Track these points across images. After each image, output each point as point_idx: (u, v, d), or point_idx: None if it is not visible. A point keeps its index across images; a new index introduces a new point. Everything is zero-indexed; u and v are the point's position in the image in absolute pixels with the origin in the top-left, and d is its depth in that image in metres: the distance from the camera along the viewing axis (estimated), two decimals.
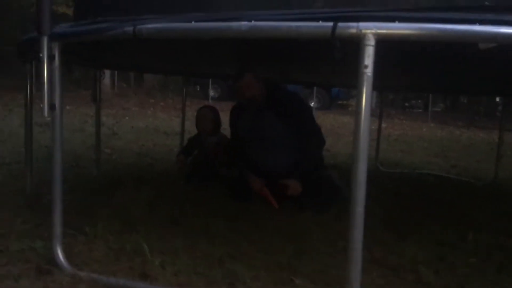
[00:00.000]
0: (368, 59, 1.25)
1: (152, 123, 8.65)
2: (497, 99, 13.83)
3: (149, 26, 1.49)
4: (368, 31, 1.24)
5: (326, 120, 10.30)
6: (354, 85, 1.32)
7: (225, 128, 3.56)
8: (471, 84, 4.08)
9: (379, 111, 5.93)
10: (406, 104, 18.72)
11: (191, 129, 4.19)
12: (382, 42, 1.27)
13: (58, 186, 1.87)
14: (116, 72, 13.79)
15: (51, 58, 1.76)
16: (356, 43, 1.25)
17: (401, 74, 3.38)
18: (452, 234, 2.57)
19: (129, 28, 1.52)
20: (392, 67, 2.72)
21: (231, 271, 1.92)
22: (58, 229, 1.88)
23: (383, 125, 9.13)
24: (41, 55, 1.75)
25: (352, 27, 1.24)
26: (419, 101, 18.44)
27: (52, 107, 1.80)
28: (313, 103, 13.59)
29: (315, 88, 13.13)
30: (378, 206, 3.05)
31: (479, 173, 5.10)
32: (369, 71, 1.26)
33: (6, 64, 13.29)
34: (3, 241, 2.14)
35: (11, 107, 9.23)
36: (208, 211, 2.75)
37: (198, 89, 15.45)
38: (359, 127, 1.30)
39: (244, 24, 1.35)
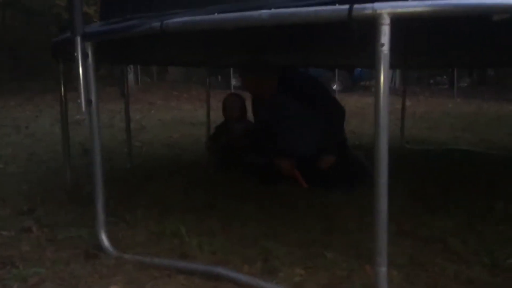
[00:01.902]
0: (384, 37, 1.31)
1: (177, 115, 8.81)
2: None
3: (175, 20, 1.58)
4: (383, 10, 1.30)
5: (350, 102, 10.26)
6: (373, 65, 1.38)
7: (250, 115, 3.66)
8: (494, 56, 4.05)
9: (402, 89, 5.91)
10: (431, 81, 18.41)
11: (216, 118, 4.30)
12: (401, 21, 1.33)
13: (99, 175, 1.99)
14: (139, 68, 14.03)
15: (84, 56, 1.88)
16: (372, 23, 1.32)
17: (423, 51, 3.39)
18: (480, 205, 2.60)
19: (156, 24, 1.62)
20: (414, 44, 2.76)
21: (265, 249, 2.02)
22: (101, 216, 2.01)
23: (408, 103, 9.05)
24: (75, 54, 1.87)
25: (368, 8, 1.30)
26: (444, 77, 18.09)
27: (89, 102, 1.92)
28: (335, 86, 13.56)
29: (337, 70, 13.09)
30: (405, 182, 3.10)
31: (508, 145, 5.06)
32: (385, 49, 1.32)
33: (32, 68, 13.67)
34: (50, 231, 2.30)
35: (41, 108, 9.54)
36: (240, 196, 2.85)
37: (220, 79, 15.58)
38: (379, 100, 1.36)
39: (264, 12, 1.42)
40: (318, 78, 3.41)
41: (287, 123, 3.15)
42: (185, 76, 15.60)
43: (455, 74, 14.31)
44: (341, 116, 3.15)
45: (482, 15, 1.34)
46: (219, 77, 15.71)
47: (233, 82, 14.66)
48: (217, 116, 3.98)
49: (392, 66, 6.66)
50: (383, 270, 1.45)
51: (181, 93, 13.30)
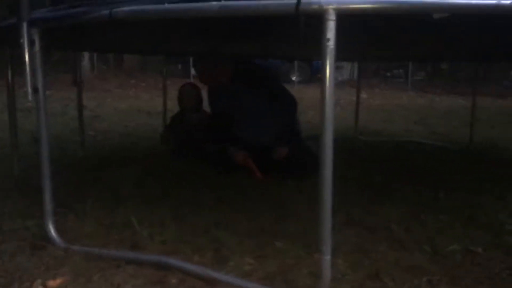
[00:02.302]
0: (330, 32, 1.34)
1: (134, 103, 8.65)
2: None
3: (124, 9, 1.57)
4: (329, 6, 1.33)
5: (308, 94, 10.35)
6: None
7: (207, 105, 3.65)
8: (443, 51, 4.20)
9: (357, 82, 6.05)
10: (388, 74, 18.82)
11: (173, 108, 4.27)
12: (349, 16, 1.37)
13: (46, 164, 1.95)
14: (95, 54, 13.63)
15: (31, 43, 1.82)
16: (318, 18, 1.35)
17: (377, 44, 3.47)
18: (425, 195, 2.73)
19: (105, 12, 1.59)
20: (368, 38, 2.82)
21: (217, 238, 2.04)
22: (49, 206, 1.97)
23: (364, 95, 9.24)
24: (21, 40, 1.81)
25: (314, 3, 1.33)
26: (401, 70, 18.52)
27: (35, 90, 1.87)
28: (294, 77, 13.68)
29: (296, 62, 13.19)
30: (357, 172, 3.20)
31: (456, 138, 5.27)
32: (331, 44, 1.35)
33: None
34: None
35: None
36: (194, 185, 2.86)
37: (180, 67, 15.37)
38: (324, 93, 1.40)
39: (214, 4, 1.43)
40: (277, 69, 3.46)
41: (241, 112, 3.18)
42: (143, 64, 15.28)
43: (409, 67, 14.70)
44: (293, 107, 3.20)
45: (424, 13, 1.40)
46: (179, 65, 15.49)
47: (193, 71, 14.47)
48: (176, 105, 3.95)
49: (348, 58, 6.74)
50: (327, 258, 1.50)
51: (138, 81, 13.05)
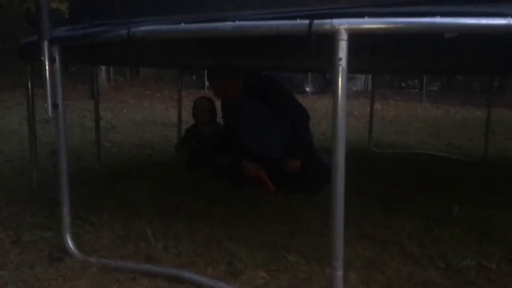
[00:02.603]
0: (342, 52, 1.37)
1: (149, 114, 8.76)
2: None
3: (142, 28, 1.62)
4: (341, 26, 1.36)
5: (322, 104, 10.41)
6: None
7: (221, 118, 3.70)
8: (460, 65, 4.21)
9: (371, 93, 6.06)
10: (403, 85, 18.77)
11: (188, 119, 4.32)
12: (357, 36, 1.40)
13: (64, 178, 2.00)
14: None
15: (52, 60, 1.89)
16: (330, 38, 1.38)
17: (390, 58, 3.50)
18: (439, 209, 2.72)
19: (123, 31, 1.65)
20: (380, 52, 2.85)
21: (229, 251, 2.07)
22: (67, 218, 2.02)
23: (378, 107, 9.22)
24: (42, 58, 1.87)
25: (326, 24, 1.37)
26: (415, 81, 18.45)
27: (55, 106, 1.93)
28: (308, 88, 13.74)
29: (309, 73, 13.25)
30: (370, 185, 3.21)
31: (471, 150, 5.24)
32: (343, 63, 1.38)
33: (0, 63, 13.32)
34: (15, 233, 2.29)
35: (9, 105, 9.33)
36: (207, 197, 2.89)
37: (195, 78, 15.54)
38: (336, 112, 1.43)
39: (228, 24, 1.47)
40: (290, 80, 3.49)
41: (251, 125, 3.21)
42: (158, 75, 15.49)
43: (424, 79, 14.64)
44: (305, 120, 3.21)
45: (434, 33, 1.42)
46: (194, 76, 15.66)
47: (208, 82, 14.61)
48: (190, 117, 4.01)
49: (361, 71, 6.76)
50: (339, 274, 1.52)
51: (153, 92, 13.21)
